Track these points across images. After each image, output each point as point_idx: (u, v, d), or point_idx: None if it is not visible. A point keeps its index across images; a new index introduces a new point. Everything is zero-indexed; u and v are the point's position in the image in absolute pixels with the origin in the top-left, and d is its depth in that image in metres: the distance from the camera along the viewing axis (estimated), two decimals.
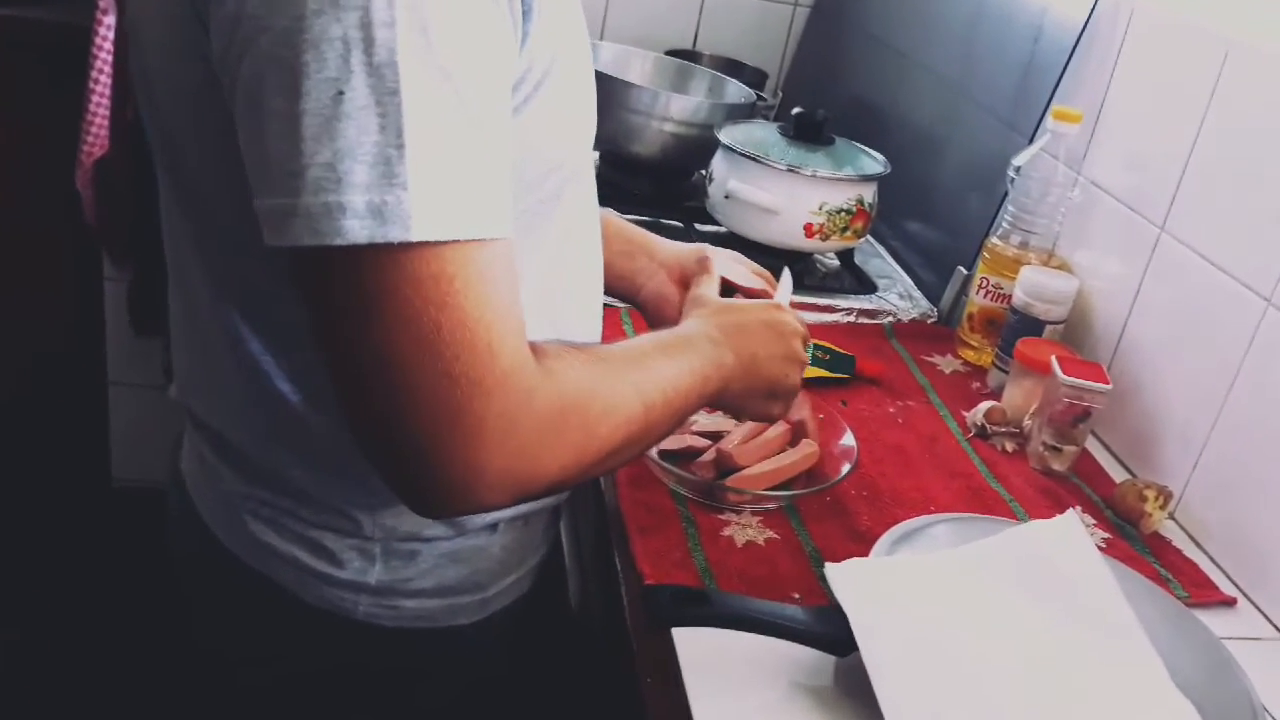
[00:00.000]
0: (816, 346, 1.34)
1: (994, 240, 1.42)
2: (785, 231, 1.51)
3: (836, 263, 1.64)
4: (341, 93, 0.57)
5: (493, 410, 0.62)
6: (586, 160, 0.82)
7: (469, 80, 0.60)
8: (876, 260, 1.69)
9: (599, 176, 1.74)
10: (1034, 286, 1.33)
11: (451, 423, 0.61)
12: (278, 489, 0.81)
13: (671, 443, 1.09)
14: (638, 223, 1.60)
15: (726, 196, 1.52)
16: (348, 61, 0.57)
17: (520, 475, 0.65)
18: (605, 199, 1.65)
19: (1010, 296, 1.37)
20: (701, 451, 1.09)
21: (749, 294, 1.05)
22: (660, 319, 1.05)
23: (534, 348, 0.67)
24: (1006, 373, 1.33)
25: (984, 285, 1.42)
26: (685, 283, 1.03)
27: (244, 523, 0.83)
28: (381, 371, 0.61)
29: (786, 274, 1.09)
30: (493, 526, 0.87)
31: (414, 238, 0.58)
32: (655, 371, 0.77)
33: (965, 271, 1.52)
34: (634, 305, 1.08)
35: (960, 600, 0.86)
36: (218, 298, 0.76)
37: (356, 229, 0.58)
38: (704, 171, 1.60)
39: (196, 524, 0.86)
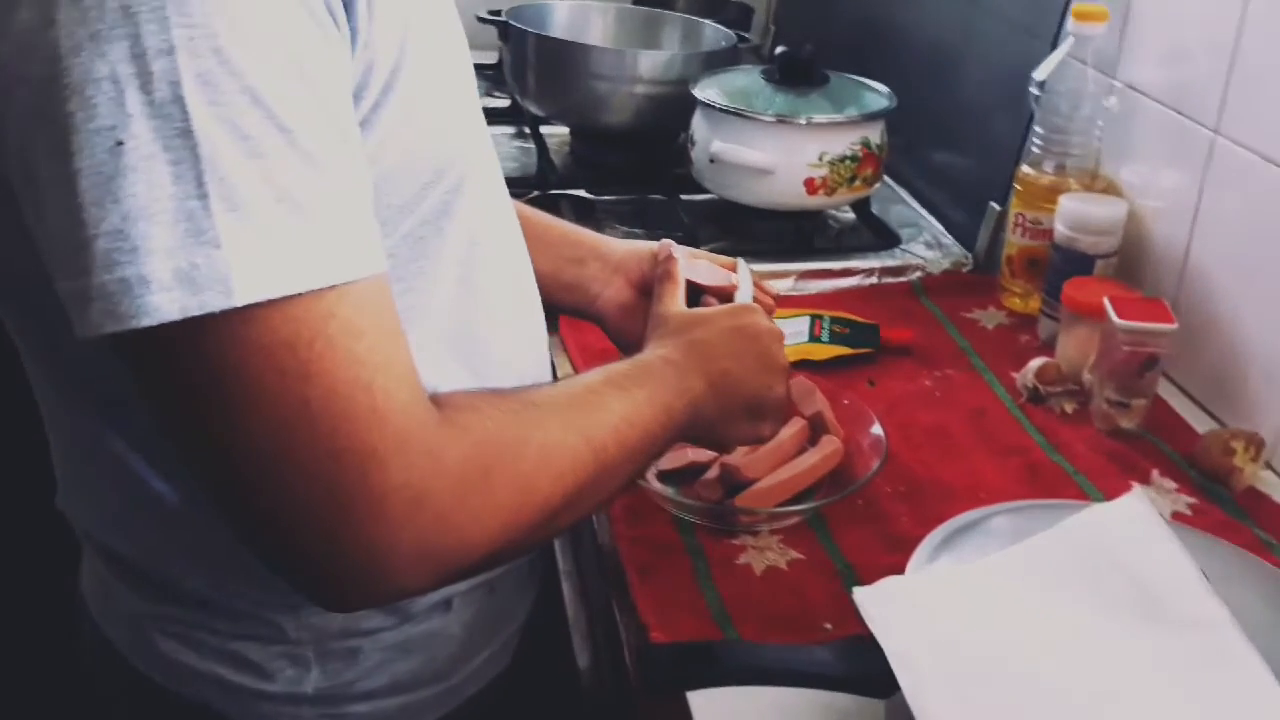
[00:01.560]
0: (833, 320, 1.30)
1: (1025, 169, 1.35)
2: (784, 191, 1.45)
3: (852, 216, 1.59)
4: (120, 142, 0.52)
5: (393, 481, 0.58)
6: (481, 160, 0.77)
7: (286, 100, 0.55)
8: (898, 207, 1.63)
9: (571, 154, 1.76)
10: (1076, 217, 1.27)
11: (347, 506, 0.58)
12: (182, 602, 0.77)
13: (670, 460, 1.05)
14: (617, 203, 1.61)
15: (712, 160, 1.47)
16: (122, 104, 0.52)
17: (443, 550, 0.62)
18: (579, 180, 1.66)
19: (1051, 232, 1.30)
20: (706, 466, 1.05)
21: (719, 293, 1.00)
22: (622, 330, 1.01)
23: (438, 400, 0.63)
24: (1057, 320, 1.26)
25: (1020, 222, 1.35)
26: (646, 287, 0.98)
27: (154, 643, 0.78)
28: (249, 465, 0.57)
29: (743, 266, 1.04)
30: (446, 604, 0.83)
31: (240, 301, 0.53)
32: (604, 409, 0.74)
33: (999, 207, 1.46)
34: (589, 318, 1.04)
35: (1016, 614, 0.80)
36: (64, 396, 0.72)
37: (165, 304, 0.53)
38: (687, 133, 1.55)
39: (106, 650, 0.82)
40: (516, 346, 0.83)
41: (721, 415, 0.85)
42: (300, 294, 0.55)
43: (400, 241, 0.69)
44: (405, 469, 0.59)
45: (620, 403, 0.75)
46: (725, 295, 0.99)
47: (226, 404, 0.55)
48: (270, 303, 0.54)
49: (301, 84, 0.56)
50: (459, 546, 0.62)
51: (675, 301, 0.93)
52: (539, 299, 0.89)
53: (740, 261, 1.04)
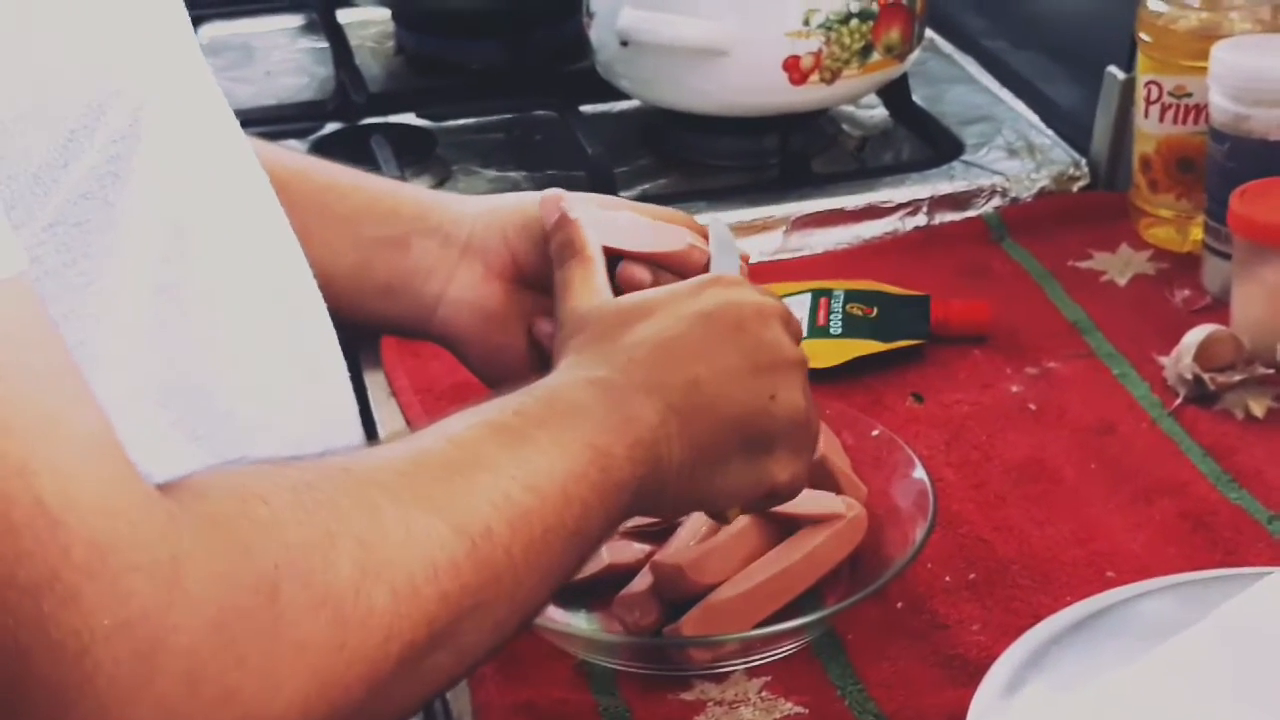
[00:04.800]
0: (851, 296, 1.33)
1: (1152, 4, 1.37)
2: (748, 84, 1.48)
3: (880, 114, 1.63)
4: None
5: (96, 626, 0.59)
6: (176, 87, 0.78)
7: None
8: (958, 88, 1.67)
9: (398, 55, 1.80)
10: (1245, 78, 1.29)
11: (21, 676, 0.59)
12: None
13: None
14: (474, 130, 1.64)
15: (624, 43, 1.49)
16: None
17: None
18: (408, 97, 1.70)
19: (1204, 109, 1.32)
20: (630, 573, 1.06)
21: (667, 263, 1.02)
22: (489, 353, 1.04)
23: (172, 484, 0.64)
24: (1229, 259, 1.27)
25: (1154, 97, 1.38)
26: (524, 274, 1.02)
27: None
28: None
29: (719, 224, 1.05)
30: None
31: None
32: (482, 469, 0.76)
33: (1122, 74, 1.47)
34: (428, 336, 1.07)
35: None
36: None
37: None
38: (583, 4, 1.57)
39: None
40: (273, 399, 0.84)
41: (700, 453, 0.87)
42: None
43: (43, 234, 0.70)
44: (116, 602, 0.59)
45: (512, 457, 0.77)
46: (680, 267, 1.01)
47: None
48: None
49: None
50: None
51: (594, 289, 0.94)
52: (323, 315, 0.90)
53: (716, 219, 1.05)
